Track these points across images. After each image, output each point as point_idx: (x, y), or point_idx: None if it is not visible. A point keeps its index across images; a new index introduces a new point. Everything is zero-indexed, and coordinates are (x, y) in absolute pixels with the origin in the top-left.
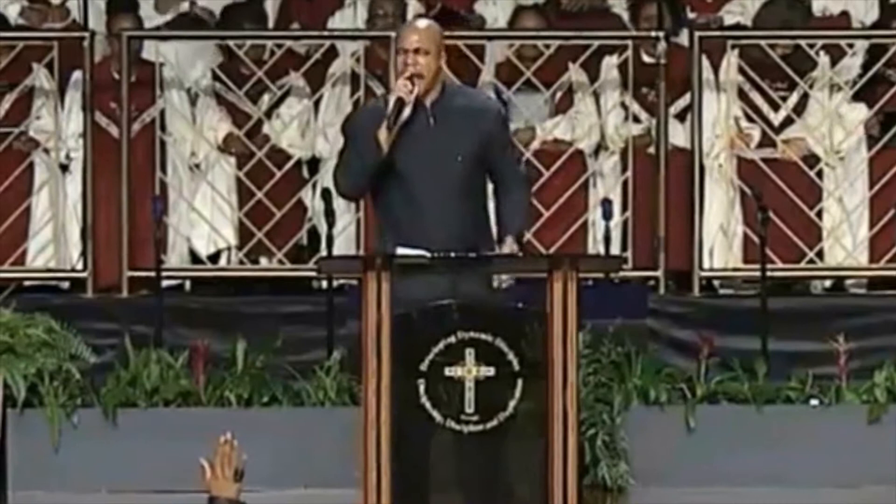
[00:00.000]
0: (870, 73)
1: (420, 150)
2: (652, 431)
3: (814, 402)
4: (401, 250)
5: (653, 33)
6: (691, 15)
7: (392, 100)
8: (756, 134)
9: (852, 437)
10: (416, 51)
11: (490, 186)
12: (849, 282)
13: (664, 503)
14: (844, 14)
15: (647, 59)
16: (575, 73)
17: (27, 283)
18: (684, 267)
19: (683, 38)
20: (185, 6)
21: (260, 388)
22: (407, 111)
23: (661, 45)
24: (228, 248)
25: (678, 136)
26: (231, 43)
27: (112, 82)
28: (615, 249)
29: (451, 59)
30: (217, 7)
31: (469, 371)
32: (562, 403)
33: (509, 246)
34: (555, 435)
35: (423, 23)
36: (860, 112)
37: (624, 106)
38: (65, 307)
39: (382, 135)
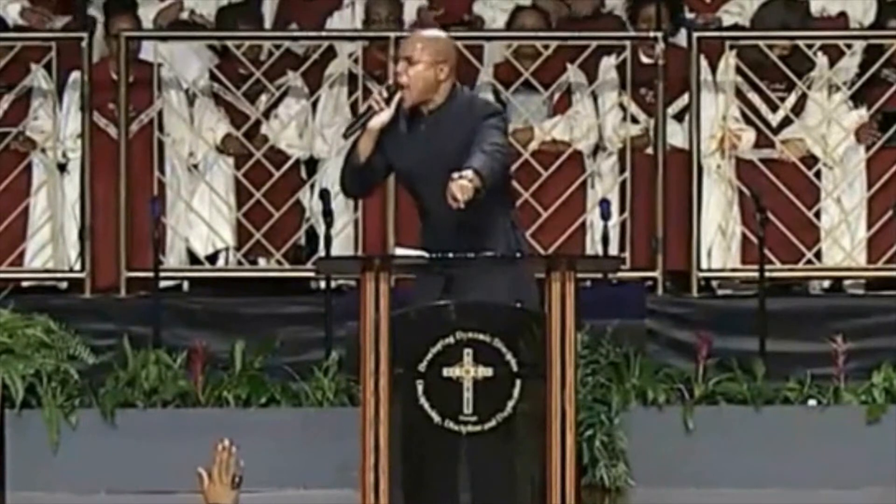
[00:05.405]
0: (868, 74)
1: (414, 157)
2: (650, 432)
3: (812, 402)
4: (399, 251)
5: (651, 34)
6: (690, 15)
7: (364, 107)
8: (747, 135)
9: (850, 438)
10: (408, 59)
11: (506, 197)
12: (847, 282)
13: None
14: (842, 14)
15: (645, 59)
16: (573, 74)
17: (25, 283)
18: (683, 267)
19: (682, 39)
20: (184, 15)
21: (258, 389)
22: (381, 118)
23: (660, 46)
24: (227, 249)
25: (676, 136)
26: (229, 43)
27: (110, 83)
28: (613, 250)
29: None
30: (214, 8)
31: (467, 371)
32: (560, 404)
33: (465, 174)
34: (553, 435)
35: (427, 32)
36: (857, 116)
37: (622, 106)
38: (63, 308)
39: (360, 142)
